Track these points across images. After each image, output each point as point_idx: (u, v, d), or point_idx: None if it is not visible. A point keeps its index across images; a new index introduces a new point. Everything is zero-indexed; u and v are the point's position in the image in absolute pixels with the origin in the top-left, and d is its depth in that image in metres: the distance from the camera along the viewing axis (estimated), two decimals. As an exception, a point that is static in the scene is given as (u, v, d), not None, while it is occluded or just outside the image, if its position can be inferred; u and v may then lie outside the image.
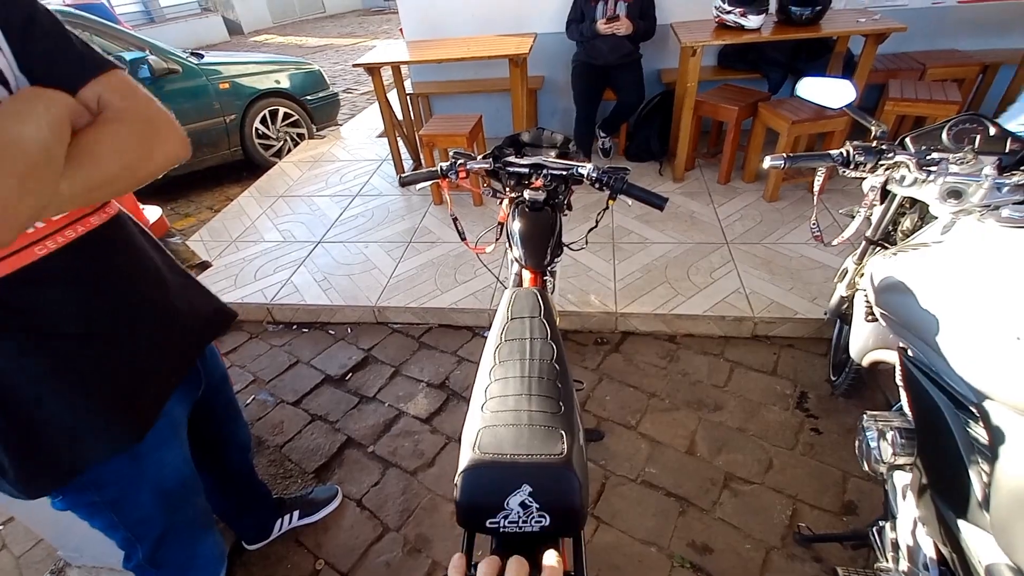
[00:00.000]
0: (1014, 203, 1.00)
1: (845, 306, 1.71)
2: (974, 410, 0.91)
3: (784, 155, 1.17)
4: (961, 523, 0.89)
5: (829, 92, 1.20)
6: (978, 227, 1.00)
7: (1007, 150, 1.13)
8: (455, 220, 1.47)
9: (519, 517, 0.67)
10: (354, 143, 4.45)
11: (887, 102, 2.75)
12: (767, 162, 1.18)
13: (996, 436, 0.85)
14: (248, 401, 2.17)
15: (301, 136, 4.65)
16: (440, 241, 2.92)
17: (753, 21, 2.74)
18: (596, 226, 1.50)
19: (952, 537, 0.93)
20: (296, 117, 4.56)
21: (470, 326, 2.44)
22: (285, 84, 4.40)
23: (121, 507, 0.94)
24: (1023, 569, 0.74)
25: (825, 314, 1.91)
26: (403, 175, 1.35)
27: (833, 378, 1.93)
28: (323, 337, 2.49)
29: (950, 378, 0.96)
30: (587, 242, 1.57)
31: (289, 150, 4.52)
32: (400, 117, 3.60)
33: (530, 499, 0.67)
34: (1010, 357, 0.84)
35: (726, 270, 2.48)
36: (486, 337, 0.99)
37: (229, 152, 4.24)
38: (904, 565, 1.10)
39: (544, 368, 0.85)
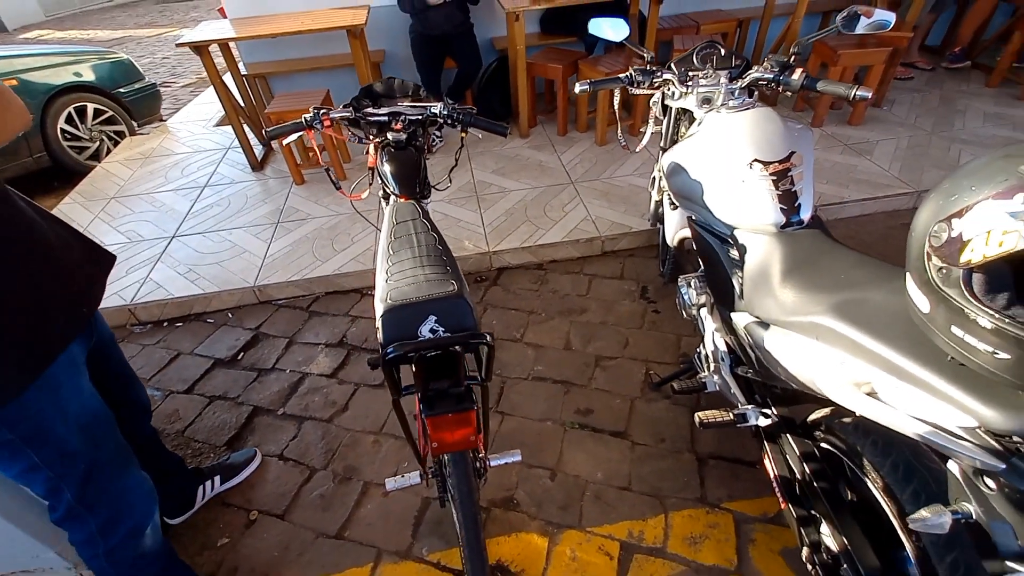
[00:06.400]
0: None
1: (659, 209, 2.18)
2: (729, 239, 1.34)
3: (588, 80, 1.51)
4: (733, 314, 1.32)
5: (611, 29, 1.57)
6: (718, 116, 1.43)
7: (733, 65, 1.60)
8: (327, 170, 1.60)
9: (430, 342, 0.90)
10: (188, 135, 4.11)
11: (673, 53, 3.37)
12: (577, 87, 1.51)
13: (741, 251, 1.28)
14: (131, 402, 2.06)
15: (120, 134, 4.17)
16: (310, 217, 2.94)
17: (561, -13, 3.14)
18: (456, 164, 1.73)
19: (730, 328, 1.37)
20: (110, 113, 4.07)
21: (358, 288, 2.55)
22: (89, 76, 3.90)
23: (39, 443, 0.95)
24: (760, 317, 1.16)
25: (648, 221, 2.39)
26: (268, 129, 1.44)
27: (662, 270, 2.44)
28: (201, 327, 2.41)
29: (715, 224, 1.39)
30: (450, 180, 1.79)
31: (108, 151, 4.04)
32: (242, 103, 3.45)
33: (436, 325, 0.89)
34: (740, 195, 1.26)
35: (574, 204, 2.89)
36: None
37: (32, 160, 3.68)
38: (712, 366, 1.55)
39: (431, 249, 1.07)
